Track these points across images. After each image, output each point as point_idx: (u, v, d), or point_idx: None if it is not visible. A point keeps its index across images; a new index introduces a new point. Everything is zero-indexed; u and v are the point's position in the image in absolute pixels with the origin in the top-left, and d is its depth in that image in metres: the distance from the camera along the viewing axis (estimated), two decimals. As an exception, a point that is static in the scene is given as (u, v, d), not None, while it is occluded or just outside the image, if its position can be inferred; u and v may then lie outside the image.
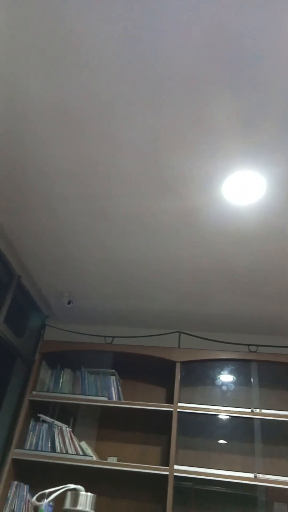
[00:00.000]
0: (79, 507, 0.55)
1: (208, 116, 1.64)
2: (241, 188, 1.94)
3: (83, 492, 0.56)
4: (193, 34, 1.39)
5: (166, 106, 1.63)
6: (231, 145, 1.75)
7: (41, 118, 1.76)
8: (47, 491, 0.55)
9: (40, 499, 0.51)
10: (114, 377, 2.86)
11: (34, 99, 1.68)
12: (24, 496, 2.47)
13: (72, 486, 0.57)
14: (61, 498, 2.43)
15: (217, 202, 2.07)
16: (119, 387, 2.82)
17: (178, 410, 2.58)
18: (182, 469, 2.38)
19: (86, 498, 0.56)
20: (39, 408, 2.84)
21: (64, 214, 2.33)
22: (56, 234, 2.50)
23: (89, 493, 0.56)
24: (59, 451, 2.56)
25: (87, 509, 0.55)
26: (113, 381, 2.83)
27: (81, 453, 2.56)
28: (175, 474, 2.36)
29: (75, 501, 0.55)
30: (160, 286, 2.83)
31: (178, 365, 2.78)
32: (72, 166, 1.99)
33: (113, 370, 2.90)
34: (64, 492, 0.56)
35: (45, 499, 0.54)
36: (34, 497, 0.53)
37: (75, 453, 2.55)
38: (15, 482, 2.53)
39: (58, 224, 2.41)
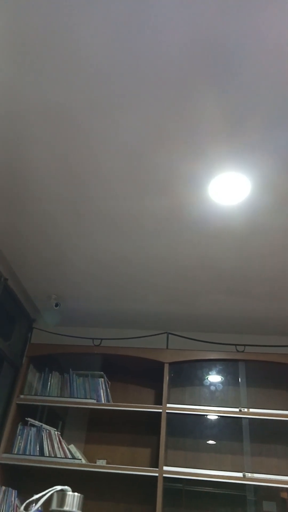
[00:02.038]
0: (66, 508, 0.55)
1: (194, 117, 1.65)
2: (227, 189, 1.96)
3: (70, 493, 0.56)
4: (178, 34, 1.40)
5: (153, 107, 1.64)
6: (217, 146, 1.77)
7: (30, 117, 1.75)
8: (34, 497, 0.55)
9: (27, 507, 0.50)
10: (102, 379, 2.84)
11: (23, 98, 1.67)
12: (12, 501, 2.44)
13: (58, 487, 0.57)
14: (48, 501, 2.40)
15: (204, 202, 2.08)
16: (108, 389, 2.81)
17: (167, 411, 2.58)
18: (172, 470, 2.37)
19: (73, 498, 0.56)
20: (27, 412, 2.81)
21: (51, 215, 2.31)
22: (44, 236, 2.49)
23: (76, 493, 0.56)
24: (47, 455, 2.54)
25: (74, 509, 0.55)
26: (101, 383, 2.82)
27: (70, 456, 2.54)
28: (165, 475, 2.36)
29: (62, 502, 0.55)
30: (147, 286, 2.84)
31: (166, 366, 2.78)
32: (59, 167, 1.98)
33: (102, 372, 2.88)
34: (51, 494, 0.55)
35: (34, 506, 0.54)
36: (22, 507, 0.53)
37: (63, 456, 2.53)
38: (3, 488, 2.49)
39: (45, 225, 2.40)
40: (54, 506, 0.57)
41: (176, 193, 2.04)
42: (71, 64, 1.52)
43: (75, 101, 1.66)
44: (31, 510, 0.53)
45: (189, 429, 2.73)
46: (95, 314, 3.23)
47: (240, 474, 2.34)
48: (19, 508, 2.44)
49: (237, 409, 2.55)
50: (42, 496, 0.57)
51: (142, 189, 2.05)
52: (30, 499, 0.58)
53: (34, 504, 0.57)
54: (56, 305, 3.11)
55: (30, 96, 1.66)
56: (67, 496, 0.57)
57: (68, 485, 2.48)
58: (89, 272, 2.76)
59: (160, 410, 2.59)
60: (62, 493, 0.57)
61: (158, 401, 2.75)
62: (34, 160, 1.97)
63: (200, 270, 2.59)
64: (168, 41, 1.42)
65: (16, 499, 2.47)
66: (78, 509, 0.57)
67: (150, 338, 3.11)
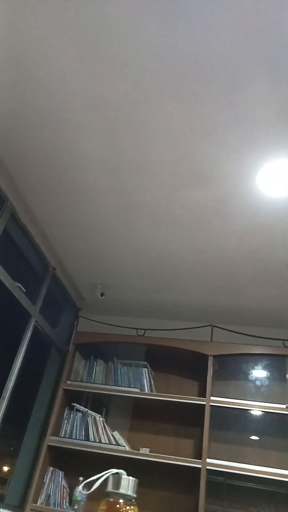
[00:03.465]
0: (121, 490, 0.56)
1: (243, 103, 1.60)
2: (276, 179, 1.89)
3: (125, 476, 0.57)
4: (229, 21, 1.35)
5: (199, 94, 1.60)
6: (266, 134, 1.71)
7: (76, 108, 1.78)
8: (92, 478, 0.56)
9: (86, 487, 0.52)
10: (146, 369, 2.87)
11: (70, 88, 1.70)
12: (59, 481, 2.54)
13: (114, 470, 0.58)
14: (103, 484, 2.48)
15: (251, 193, 2.02)
16: (151, 379, 2.84)
17: (211, 404, 2.56)
18: (215, 463, 2.37)
19: (128, 481, 0.57)
20: (73, 398, 2.91)
21: (97, 206, 2.35)
22: (89, 227, 2.54)
23: (131, 477, 0.57)
24: (92, 440, 2.61)
25: (129, 492, 0.56)
26: (145, 373, 2.85)
27: (114, 442, 2.60)
28: (208, 467, 2.36)
29: (117, 484, 0.56)
30: (193, 278, 2.82)
31: (210, 359, 2.76)
32: (105, 157, 2.00)
33: (145, 362, 2.91)
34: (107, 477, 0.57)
35: (92, 487, 0.55)
36: (80, 486, 0.55)
37: (108, 442, 2.60)
38: (51, 468, 2.60)
39: (91, 216, 2.44)
40: (110, 488, 0.58)
41: (222, 184, 2.00)
42: (115, 55, 1.52)
43: (119, 92, 1.66)
44: (91, 490, 0.55)
45: (233, 423, 2.70)
46: (140, 304, 3.26)
47: (285, 472, 2.29)
48: (66, 489, 2.54)
49: (283, 406, 2.49)
50: (99, 478, 0.59)
51: (187, 180, 2.03)
52: (88, 480, 0.60)
53: (92, 487, 0.58)
54: (102, 294, 3.17)
55: (76, 87, 1.68)
56: (123, 479, 0.58)
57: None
58: (134, 263, 2.78)
59: (204, 403, 2.58)
60: (118, 476, 0.59)
61: (201, 393, 2.74)
62: (81, 150, 2.00)
63: (246, 262, 2.54)
64: (218, 29, 1.38)
65: (63, 479, 2.57)
66: (133, 493, 0.58)
67: (195, 330, 3.10)
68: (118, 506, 0.57)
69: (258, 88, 1.54)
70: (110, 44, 1.49)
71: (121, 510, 0.57)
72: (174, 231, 2.41)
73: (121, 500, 0.57)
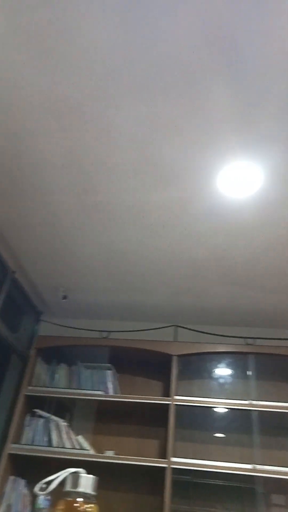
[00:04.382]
0: (80, 489, 0.54)
1: (204, 107, 1.63)
2: (237, 180, 1.93)
3: (83, 474, 0.55)
4: (190, 25, 1.37)
5: (162, 97, 1.61)
6: (228, 136, 1.74)
7: (36, 109, 1.73)
8: (48, 478, 0.54)
9: (42, 489, 0.49)
10: (110, 371, 2.84)
11: (29, 90, 1.66)
12: (20, 490, 2.45)
13: (72, 469, 0.56)
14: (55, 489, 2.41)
15: (213, 194, 2.05)
16: (116, 381, 2.81)
17: (175, 403, 2.57)
18: (180, 461, 2.37)
19: (87, 480, 0.55)
20: (35, 403, 2.82)
21: (59, 208, 2.30)
22: (51, 228, 2.48)
23: (90, 475, 0.55)
24: (55, 446, 2.55)
25: (88, 490, 0.54)
26: (109, 375, 2.82)
27: (78, 447, 2.54)
28: (173, 466, 2.36)
29: (76, 483, 0.54)
30: (156, 279, 2.82)
31: (174, 359, 2.77)
32: (66, 159, 1.97)
33: (110, 365, 2.88)
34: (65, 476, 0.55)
35: (48, 488, 0.53)
36: (37, 487, 0.52)
37: (72, 447, 2.54)
38: (12, 477, 2.51)
39: (53, 218, 2.39)
40: (68, 487, 0.56)
41: (184, 185, 2.02)
42: (78, 55, 1.50)
43: (82, 92, 1.64)
44: (46, 491, 0.52)
45: (197, 421, 2.72)
46: (103, 306, 3.22)
47: (249, 466, 2.33)
48: (28, 497, 2.46)
49: (246, 402, 2.54)
50: (57, 477, 0.56)
51: (150, 181, 2.03)
52: (45, 480, 0.57)
53: (47, 488, 0.56)
54: (64, 297, 3.10)
55: (36, 87, 1.64)
56: (81, 478, 0.56)
57: (76, 476, 2.50)
58: (96, 264, 2.75)
59: (169, 402, 2.58)
60: (76, 475, 0.56)
61: (166, 393, 2.74)
62: (40, 153, 1.95)
63: (209, 262, 2.57)
64: (180, 33, 1.39)
65: (25, 488, 2.49)
66: (92, 491, 0.56)
67: (159, 331, 3.10)
68: (76, 505, 0.55)
69: (219, 92, 1.56)
70: (63, 42, 1.47)
71: (80, 508, 0.55)
72: (137, 232, 2.40)
73: (80, 499, 0.55)
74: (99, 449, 2.68)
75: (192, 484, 2.50)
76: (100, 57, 1.51)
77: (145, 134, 1.78)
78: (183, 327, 3.10)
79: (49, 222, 2.43)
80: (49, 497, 2.40)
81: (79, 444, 2.55)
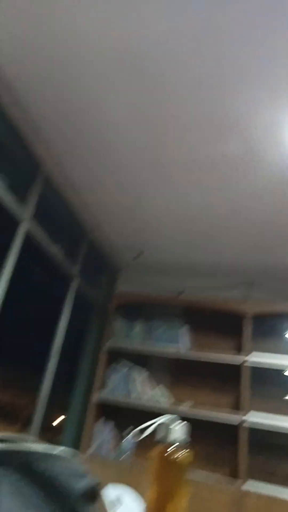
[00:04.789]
0: (173, 436, 0.57)
1: (275, 48, 1.47)
2: None
3: (176, 422, 0.58)
4: None
5: (232, 46, 1.49)
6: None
7: (105, 62, 1.71)
8: (143, 425, 0.58)
9: (136, 435, 0.54)
10: (184, 328, 2.90)
11: (101, 50, 1.63)
12: (108, 433, 2.69)
13: (165, 417, 0.59)
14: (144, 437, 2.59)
15: (284, 148, 1.90)
16: (190, 338, 2.87)
17: (250, 360, 2.57)
18: (255, 418, 2.40)
19: (180, 427, 0.58)
20: (115, 356, 3.01)
21: (131, 166, 2.31)
22: (125, 188, 2.51)
23: (182, 423, 0.58)
24: (136, 395, 2.71)
25: (181, 438, 0.57)
26: (183, 332, 2.88)
27: (156, 397, 2.69)
28: (248, 420, 2.40)
29: (168, 430, 0.57)
30: (231, 236, 2.75)
31: (248, 317, 2.74)
32: (136, 116, 1.94)
33: (184, 322, 2.94)
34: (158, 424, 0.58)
35: (141, 435, 0.57)
36: (130, 434, 0.56)
37: (151, 397, 2.69)
38: (100, 420, 2.75)
39: (127, 177, 2.41)
40: (161, 434, 0.60)
41: (259, 134, 1.89)
42: (145, 13, 1.42)
43: (148, 48, 1.57)
44: (141, 437, 0.57)
45: (272, 380, 2.70)
46: (178, 264, 3.25)
47: None
48: (115, 439, 2.69)
49: None
50: (151, 424, 0.61)
51: (221, 135, 1.93)
52: (139, 427, 0.62)
53: (142, 434, 0.60)
54: (139, 255, 3.18)
55: (108, 45, 1.60)
56: (174, 425, 0.59)
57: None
58: (170, 222, 2.75)
59: (242, 360, 2.59)
60: (169, 422, 0.60)
61: (239, 351, 2.75)
62: (111, 111, 1.94)
63: (282, 217, 2.43)
64: None
65: (112, 431, 2.72)
66: (185, 438, 0.59)
67: (233, 289, 3.06)
68: (171, 451, 0.58)
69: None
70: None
71: (174, 455, 0.58)
72: (210, 187, 2.33)
73: (174, 446, 0.58)
74: (176, 399, 2.80)
75: (266, 441, 2.52)
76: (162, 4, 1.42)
77: (214, 83, 1.67)
78: (257, 285, 3.02)
79: (124, 181, 2.45)
80: (134, 441, 2.61)
81: (158, 394, 2.70)
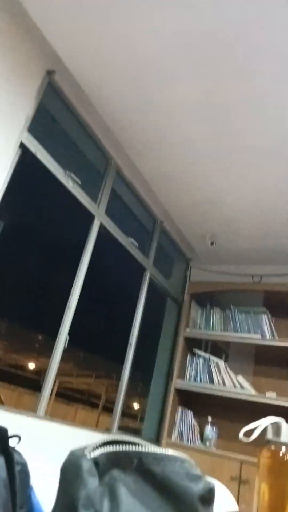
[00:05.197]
0: (282, 439, 0.54)
1: None
2: None
3: (285, 424, 0.56)
4: None
5: None
6: None
7: (169, 51, 1.66)
8: (250, 426, 0.56)
9: (247, 435, 0.52)
10: (265, 315, 2.80)
11: (164, 35, 1.59)
12: (189, 420, 2.70)
13: (273, 418, 0.57)
14: (225, 425, 2.56)
15: None
16: (272, 325, 2.76)
17: None
18: None
19: (288, 430, 0.55)
20: (193, 345, 3.00)
21: (200, 156, 2.25)
22: (194, 177, 2.46)
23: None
24: (217, 383, 2.68)
25: (290, 440, 0.54)
26: (265, 319, 2.78)
27: (238, 386, 2.63)
28: None
29: (277, 432, 0.55)
30: (312, 218, 2.58)
31: None
32: (206, 104, 1.88)
33: (264, 308, 2.83)
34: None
35: (251, 435, 0.55)
36: (241, 433, 0.54)
37: (232, 386, 2.64)
38: (180, 408, 2.77)
39: (195, 166, 2.35)
40: (270, 436, 0.57)
41: None
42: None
43: (220, 31, 1.49)
44: (251, 437, 0.54)
45: None
46: (252, 251, 3.13)
47: None
48: (196, 427, 2.70)
49: None
50: (259, 425, 0.58)
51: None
52: (247, 428, 0.59)
53: (251, 435, 0.58)
54: (212, 243, 3.11)
55: (171, 32, 1.55)
56: (283, 427, 0.56)
57: (236, 414, 2.60)
58: (243, 209, 2.65)
59: None
60: (278, 424, 0.57)
61: None
62: (181, 100, 1.90)
63: None
64: None
65: (193, 419, 2.73)
66: (295, 440, 0.56)
67: None
68: (282, 454, 0.55)
69: None
70: None
71: (285, 458, 0.55)
72: (282, 171, 2.19)
73: (283, 448, 0.55)
74: (258, 390, 2.73)
75: None
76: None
77: (281, 62, 1.55)
78: None
79: (191, 171, 2.41)
80: (215, 429, 2.59)
81: (240, 383, 2.64)
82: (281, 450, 0.55)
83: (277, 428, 0.57)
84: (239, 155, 2.17)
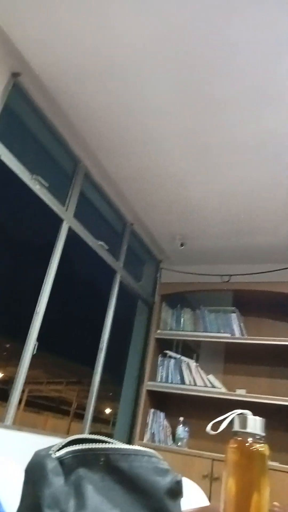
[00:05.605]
0: (248, 430, 0.55)
1: None
2: None
3: (251, 416, 0.57)
4: None
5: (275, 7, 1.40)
6: None
7: (143, 53, 1.68)
8: (217, 420, 0.57)
9: (215, 428, 0.53)
10: (235, 314, 2.85)
11: (137, 38, 1.60)
12: (161, 422, 2.70)
13: (239, 411, 0.58)
14: (197, 425, 2.58)
15: None
16: (241, 324, 2.82)
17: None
18: None
19: (255, 421, 0.56)
20: (164, 346, 3.01)
21: (169, 155, 2.27)
22: (163, 177, 2.48)
23: (257, 417, 0.56)
24: (188, 383, 2.71)
25: (257, 431, 0.55)
26: (234, 318, 2.83)
27: (209, 385, 2.67)
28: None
29: (244, 424, 0.56)
30: (277, 218, 2.65)
31: (301, 298, 2.64)
32: (176, 99, 1.89)
33: (234, 308, 2.89)
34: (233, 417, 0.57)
35: (218, 428, 0.56)
36: (208, 427, 0.55)
37: (203, 385, 2.67)
38: (152, 410, 2.77)
39: (163, 166, 2.37)
40: (236, 427, 0.58)
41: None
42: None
43: (188, 29, 1.51)
44: (218, 431, 0.55)
45: None
46: (222, 250, 3.18)
47: None
48: (168, 428, 2.71)
49: None
50: (224, 419, 0.59)
51: (263, 110, 1.84)
52: (215, 420, 0.60)
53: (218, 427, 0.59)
54: (182, 244, 3.14)
55: (143, 36, 1.57)
56: (249, 419, 0.57)
57: (208, 413, 2.63)
58: (213, 208, 2.69)
59: (299, 342, 2.51)
60: (244, 416, 0.58)
61: (295, 334, 2.66)
62: (149, 99, 1.91)
63: None
64: None
65: (164, 420, 2.73)
66: (261, 432, 0.57)
67: (284, 272, 2.96)
68: (248, 444, 0.56)
69: None
70: None
71: (252, 448, 0.56)
72: (252, 167, 2.25)
73: (250, 439, 0.56)
74: (229, 388, 2.77)
75: None
76: None
77: (261, 55, 1.59)
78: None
79: (160, 170, 2.42)
80: (187, 429, 2.61)
81: (210, 382, 2.68)
82: (247, 440, 0.56)
83: (243, 419, 0.58)
84: (208, 154, 2.21)
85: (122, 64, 1.75)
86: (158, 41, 1.61)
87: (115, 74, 1.81)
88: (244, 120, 1.93)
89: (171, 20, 1.52)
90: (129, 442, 2.81)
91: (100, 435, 0.49)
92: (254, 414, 0.61)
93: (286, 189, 2.38)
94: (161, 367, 2.89)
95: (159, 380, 2.83)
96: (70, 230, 2.36)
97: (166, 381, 2.80)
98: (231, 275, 3.06)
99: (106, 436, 0.49)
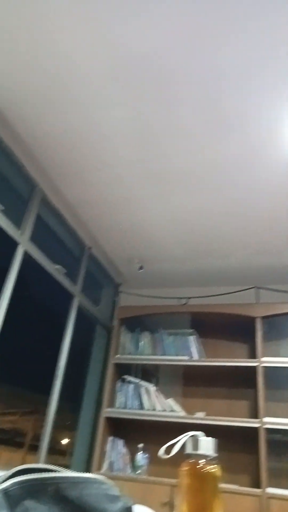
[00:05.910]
0: (200, 451, 0.56)
1: (275, 41, 1.49)
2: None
3: (203, 437, 0.57)
4: None
5: (233, 40, 1.50)
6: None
7: (98, 80, 1.72)
8: (170, 443, 0.57)
9: (167, 451, 0.52)
10: (193, 336, 2.88)
11: (88, 58, 1.64)
12: (120, 449, 2.63)
13: (191, 433, 0.58)
14: (156, 451, 2.54)
15: (286, 148, 1.91)
16: (199, 346, 2.84)
17: (263, 364, 2.55)
18: (273, 421, 2.37)
19: (207, 442, 0.56)
20: (123, 370, 2.97)
21: (125, 180, 2.31)
22: (120, 201, 2.51)
23: (209, 438, 0.56)
24: (147, 409, 2.67)
25: (208, 452, 0.56)
26: (192, 341, 2.86)
27: (168, 409, 2.65)
28: (266, 426, 2.36)
29: (196, 446, 0.56)
30: (232, 241, 2.75)
31: (258, 320, 2.72)
32: (129, 128, 1.95)
33: (192, 330, 2.92)
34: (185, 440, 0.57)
35: (171, 451, 0.56)
36: (161, 451, 0.55)
37: (162, 409, 2.65)
38: (110, 437, 2.70)
39: (120, 191, 2.41)
40: (189, 449, 0.58)
41: (259, 136, 1.90)
42: (136, 21, 1.44)
43: (144, 57, 1.58)
44: (171, 454, 0.55)
45: (286, 381, 2.68)
46: (180, 274, 3.24)
47: None
48: (127, 455, 2.64)
49: None
50: (178, 441, 0.59)
51: (220, 137, 1.94)
52: (168, 444, 0.60)
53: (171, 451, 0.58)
54: (140, 268, 3.17)
55: (99, 58, 1.62)
56: (201, 441, 0.58)
57: (168, 437, 2.61)
58: (170, 232, 2.75)
59: (255, 364, 2.56)
60: (196, 438, 0.58)
61: (252, 355, 2.72)
62: (103, 124, 1.95)
63: (287, 219, 2.44)
64: None
65: (123, 447, 2.67)
66: (212, 453, 0.58)
67: (239, 294, 3.05)
68: (200, 466, 0.56)
69: (288, 27, 1.42)
70: (125, 2, 1.41)
71: (204, 469, 0.56)
72: (206, 193, 2.34)
73: (202, 460, 0.57)
74: (188, 411, 2.77)
75: (286, 443, 2.49)
76: (162, 16, 1.44)
77: (211, 78, 1.66)
78: (264, 288, 3.02)
79: (117, 195, 2.46)
80: (147, 456, 2.56)
81: (170, 406, 2.66)
82: (199, 462, 0.56)
83: (195, 441, 0.59)
84: (164, 178, 2.27)
85: (78, 89, 1.79)
86: (112, 68, 1.67)
87: (71, 99, 1.84)
88: (193, 150, 2.01)
89: (130, 44, 1.58)
90: (87, 472, 2.70)
91: (56, 466, 0.47)
92: (214, 437, 0.62)
93: (236, 217, 2.48)
94: (119, 392, 2.84)
95: (117, 406, 2.78)
96: (26, 254, 2.32)
97: (125, 407, 2.75)
98: (189, 298, 3.10)
99: (63, 467, 0.48)
